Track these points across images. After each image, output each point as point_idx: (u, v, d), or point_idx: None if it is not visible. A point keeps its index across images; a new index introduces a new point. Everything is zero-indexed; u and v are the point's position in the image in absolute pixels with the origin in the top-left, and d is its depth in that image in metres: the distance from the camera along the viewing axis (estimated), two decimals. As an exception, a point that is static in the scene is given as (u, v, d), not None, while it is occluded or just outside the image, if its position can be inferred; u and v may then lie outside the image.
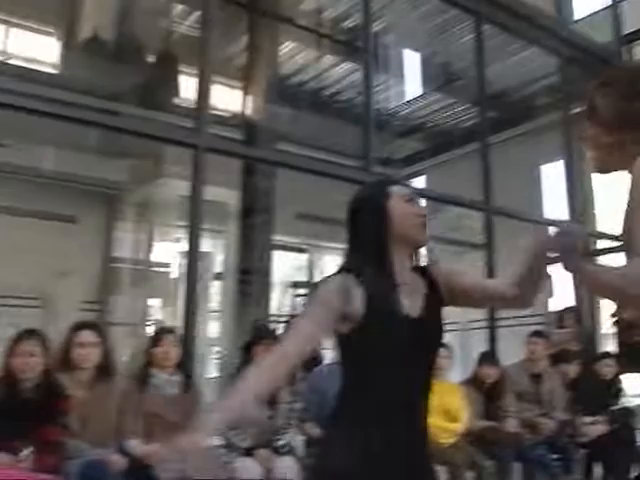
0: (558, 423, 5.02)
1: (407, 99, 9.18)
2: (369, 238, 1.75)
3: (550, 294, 7.73)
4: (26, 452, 2.98)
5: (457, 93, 8.65)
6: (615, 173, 1.64)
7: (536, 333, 5.44)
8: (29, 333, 3.26)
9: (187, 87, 7.67)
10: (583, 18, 8.96)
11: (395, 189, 1.81)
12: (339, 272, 1.73)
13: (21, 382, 3.16)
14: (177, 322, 5.25)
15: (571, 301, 7.05)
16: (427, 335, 1.72)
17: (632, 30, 8.10)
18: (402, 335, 1.67)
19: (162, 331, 3.92)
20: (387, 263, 1.73)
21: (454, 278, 1.81)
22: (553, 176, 8.75)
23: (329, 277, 1.74)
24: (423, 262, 1.84)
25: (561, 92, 7.52)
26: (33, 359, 3.17)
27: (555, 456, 4.89)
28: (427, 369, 1.74)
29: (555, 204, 8.25)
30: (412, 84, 9.08)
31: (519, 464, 4.67)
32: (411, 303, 1.71)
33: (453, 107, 8.96)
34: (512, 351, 5.62)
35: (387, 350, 1.66)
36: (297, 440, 3.92)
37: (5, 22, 7.76)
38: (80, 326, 3.57)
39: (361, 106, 5.77)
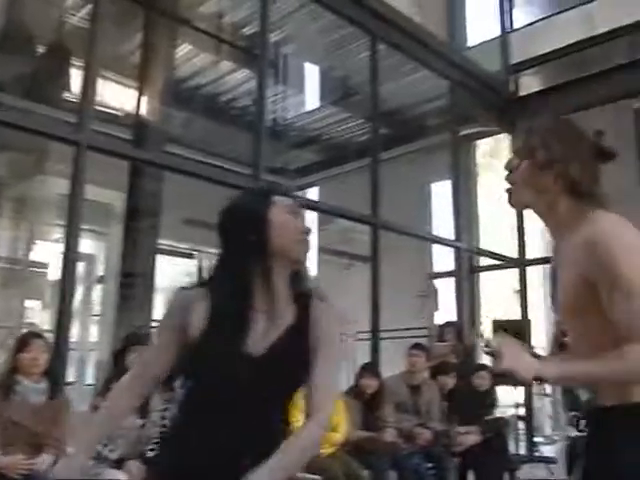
0: (434, 433, 5.16)
1: (304, 111, 9.24)
2: (241, 250, 1.59)
3: (435, 308, 8.03)
4: None
5: (353, 108, 8.80)
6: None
7: (417, 346, 5.59)
8: None
9: (78, 82, 7.37)
10: (475, 46, 9.39)
11: (278, 199, 1.67)
12: (195, 285, 1.64)
13: None
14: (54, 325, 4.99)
15: (452, 315, 7.31)
16: (268, 377, 1.52)
17: (519, 60, 8.56)
18: (230, 375, 1.51)
19: (30, 336, 3.71)
20: (247, 282, 1.57)
21: (318, 347, 1.60)
22: (442, 194, 9.08)
23: (181, 288, 1.65)
24: (308, 288, 1.67)
25: (450, 114, 7.81)
26: None
27: (430, 465, 5.02)
28: (266, 415, 1.55)
29: (443, 221, 8.54)
30: (310, 96, 9.15)
31: (395, 473, 4.77)
32: (262, 336, 1.54)
33: (348, 121, 9.10)
34: (394, 363, 5.75)
35: (210, 389, 1.54)
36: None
37: None
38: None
39: (255, 114, 5.74)
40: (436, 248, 9.12)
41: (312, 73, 9.03)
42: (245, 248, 1.58)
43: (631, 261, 1.46)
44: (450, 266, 7.84)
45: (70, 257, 4.22)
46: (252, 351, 1.52)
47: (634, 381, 1.50)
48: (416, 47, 7.21)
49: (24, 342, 3.60)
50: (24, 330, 6.43)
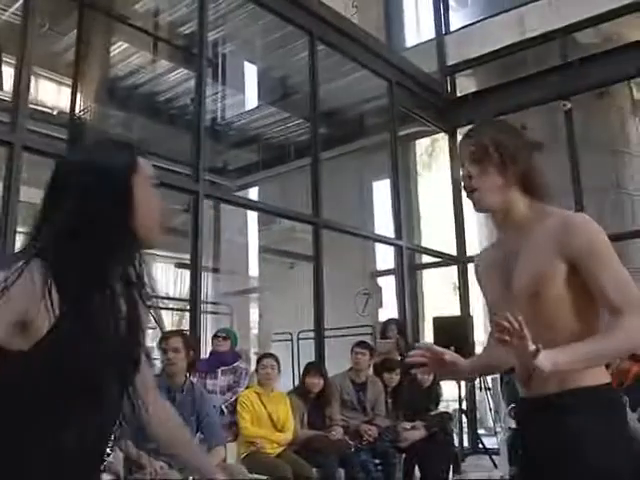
0: (380, 429, 5.21)
1: (244, 110, 9.19)
2: (101, 221, 1.23)
3: (379, 305, 8.09)
4: None
5: (292, 108, 8.81)
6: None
7: (361, 343, 5.63)
8: None
9: (10, 80, 7.12)
10: (413, 47, 9.54)
11: (142, 163, 1.33)
12: (27, 257, 1.18)
13: None
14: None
15: (395, 313, 7.40)
16: (125, 366, 1.29)
17: (455, 62, 8.74)
18: (105, 364, 1.23)
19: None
20: (107, 263, 1.25)
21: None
22: (383, 193, 9.18)
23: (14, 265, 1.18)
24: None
25: (389, 114, 7.91)
26: None
27: (377, 461, 5.07)
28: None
29: (385, 220, 8.64)
30: (249, 96, 9.11)
31: (342, 470, 4.79)
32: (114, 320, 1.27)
33: (288, 121, 9.10)
34: (339, 361, 5.78)
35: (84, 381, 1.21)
36: (117, 457, 3.73)
37: None
38: None
39: (194, 113, 5.66)
40: (379, 246, 9.22)
41: (251, 73, 9.00)
42: (107, 220, 1.24)
43: (606, 241, 1.62)
44: (392, 264, 7.94)
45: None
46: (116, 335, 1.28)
47: (632, 350, 1.63)
48: (354, 47, 7.27)
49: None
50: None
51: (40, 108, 7.17)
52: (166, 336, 4.02)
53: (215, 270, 8.98)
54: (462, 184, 1.77)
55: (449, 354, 1.77)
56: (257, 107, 9.15)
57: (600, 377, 1.63)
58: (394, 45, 9.46)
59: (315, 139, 6.58)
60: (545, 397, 1.64)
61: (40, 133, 6.07)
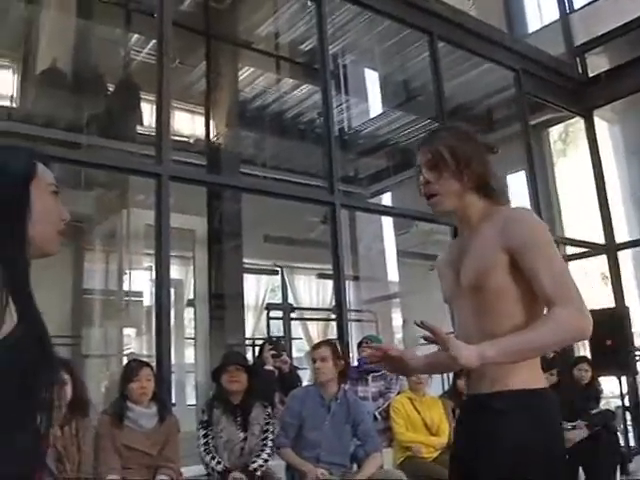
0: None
1: (369, 118, 9.26)
2: None
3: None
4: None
5: (417, 110, 8.76)
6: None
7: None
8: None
9: (150, 115, 7.65)
10: (536, 31, 9.19)
11: (40, 168, 1.24)
12: None
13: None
14: (152, 351, 5.18)
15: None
16: None
17: (584, 41, 8.31)
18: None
19: (135, 365, 3.85)
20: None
21: None
22: (518, 186, 8.89)
23: None
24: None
25: (519, 104, 7.65)
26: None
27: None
28: None
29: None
30: (373, 103, 9.17)
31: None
32: None
33: (414, 124, 9.05)
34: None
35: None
36: (276, 465, 3.89)
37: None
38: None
39: (323, 126, 5.79)
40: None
41: (373, 80, 9.05)
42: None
43: (544, 234, 1.69)
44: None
45: (163, 284, 4.36)
46: None
47: (563, 342, 1.67)
48: (476, 41, 7.12)
49: (131, 371, 3.73)
50: (125, 358, 6.67)
51: (177, 138, 7.64)
52: (315, 346, 4.14)
53: (355, 278, 9.09)
54: (420, 189, 1.84)
55: (395, 350, 1.83)
56: (382, 113, 9.18)
57: (531, 381, 1.65)
58: (517, 33, 9.16)
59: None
60: (477, 397, 1.71)
61: (180, 162, 6.46)
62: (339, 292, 5.08)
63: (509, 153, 8.72)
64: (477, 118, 9.11)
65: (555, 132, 9.81)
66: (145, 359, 4.42)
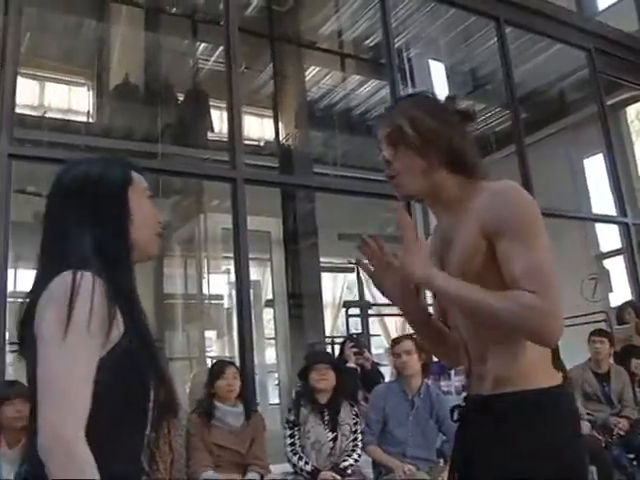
0: (631, 421, 4.86)
1: (437, 109, 9.15)
2: (105, 233, 1.24)
3: (609, 289, 7.54)
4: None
5: (485, 98, 8.60)
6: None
7: (598, 332, 5.29)
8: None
9: (220, 121, 7.81)
10: (607, 8, 8.86)
11: (136, 176, 1.34)
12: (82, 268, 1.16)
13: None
14: (233, 352, 5.29)
15: (629, 295, 6.87)
16: None
17: (659, 16, 7.96)
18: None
19: (222, 364, 3.95)
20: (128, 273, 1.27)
21: None
22: (596, 170, 8.61)
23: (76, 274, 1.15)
24: None
25: (593, 85, 7.40)
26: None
27: (631, 456, 4.72)
28: None
29: (602, 198, 8.08)
30: (440, 94, 9.04)
31: (593, 467, 4.52)
32: None
33: (483, 112, 8.89)
34: (573, 351, 5.48)
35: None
36: (362, 461, 3.90)
37: (37, 77, 8.03)
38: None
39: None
40: (600, 227, 8.62)
41: (439, 71, 8.93)
42: (113, 232, 1.26)
43: (530, 213, 1.43)
44: (618, 244, 7.38)
45: (243, 286, 4.45)
46: None
47: (512, 325, 1.37)
48: (545, 23, 6.92)
49: (218, 370, 3.83)
50: (208, 360, 6.83)
51: (248, 142, 7.77)
52: (397, 340, 4.13)
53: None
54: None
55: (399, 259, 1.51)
56: (450, 103, 9.05)
57: (538, 380, 1.45)
58: (587, 11, 8.85)
59: (518, 126, 6.35)
60: (481, 399, 1.51)
61: (252, 165, 6.57)
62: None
63: (584, 136, 8.47)
64: (549, 102, 8.86)
65: (632, 111, 9.43)
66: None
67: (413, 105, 1.58)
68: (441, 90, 9.04)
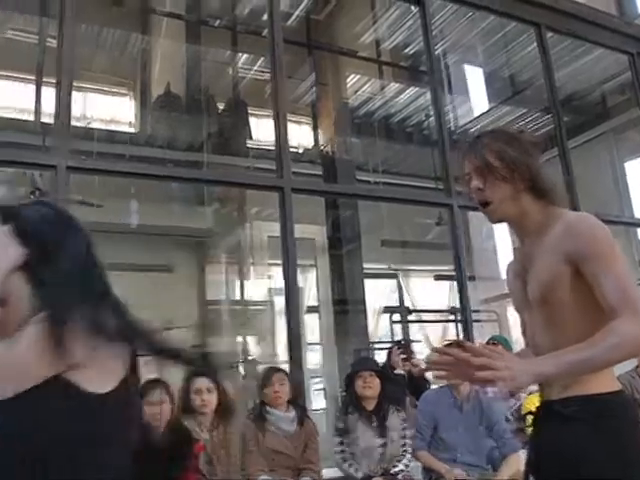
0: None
1: (475, 115, 9.14)
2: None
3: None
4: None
5: (526, 103, 8.57)
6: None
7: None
8: (153, 383, 3.23)
9: (260, 130, 7.92)
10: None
11: None
12: None
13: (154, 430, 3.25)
14: (279, 357, 5.33)
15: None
16: None
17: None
18: None
19: (268, 371, 4.02)
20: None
21: None
22: (638, 173, 8.52)
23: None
24: None
25: (635, 88, 7.33)
26: (163, 407, 3.27)
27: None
28: None
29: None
30: (480, 100, 9.04)
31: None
32: None
33: (523, 117, 8.86)
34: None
35: None
36: (412, 466, 3.94)
37: (82, 89, 8.22)
38: (194, 374, 3.66)
39: (433, 128, 5.78)
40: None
41: (478, 77, 8.93)
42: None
43: (608, 241, 1.59)
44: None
45: (291, 292, 4.51)
46: None
47: (627, 356, 1.50)
48: (586, 28, 6.88)
49: (265, 376, 3.91)
50: (252, 365, 6.91)
51: (290, 150, 7.86)
52: (446, 346, 4.14)
53: (471, 278, 8.97)
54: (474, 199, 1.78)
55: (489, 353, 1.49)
56: (489, 110, 9.05)
57: (604, 385, 1.58)
58: (627, 15, 8.76)
59: (560, 130, 6.34)
60: (550, 404, 1.64)
61: (295, 173, 6.64)
62: (462, 293, 5.07)
63: (626, 140, 8.38)
64: (590, 106, 8.80)
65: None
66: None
67: (494, 139, 1.78)
68: (480, 96, 9.05)
